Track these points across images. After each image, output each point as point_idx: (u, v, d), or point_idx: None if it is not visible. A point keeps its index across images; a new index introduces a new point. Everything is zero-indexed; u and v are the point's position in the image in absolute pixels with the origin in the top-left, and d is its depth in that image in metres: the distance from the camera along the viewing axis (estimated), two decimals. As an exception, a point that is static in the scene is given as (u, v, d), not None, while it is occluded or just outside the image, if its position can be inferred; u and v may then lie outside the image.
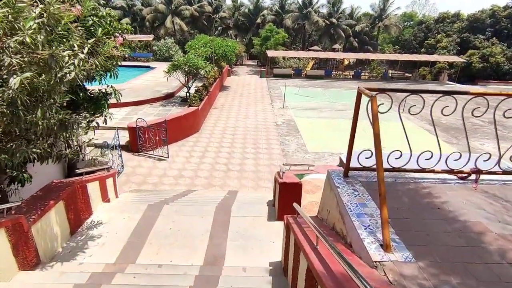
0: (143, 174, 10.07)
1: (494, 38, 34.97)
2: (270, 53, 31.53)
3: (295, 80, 30.73)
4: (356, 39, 48.24)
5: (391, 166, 3.34)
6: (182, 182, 9.74)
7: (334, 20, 46.77)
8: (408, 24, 56.68)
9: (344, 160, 9.83)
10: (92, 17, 5.89)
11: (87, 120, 6.74)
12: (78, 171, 5.30)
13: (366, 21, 48.86)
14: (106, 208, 5.38)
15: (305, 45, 51.57)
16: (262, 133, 14.58)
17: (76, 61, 3.55)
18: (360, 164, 3.32)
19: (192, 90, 16.89)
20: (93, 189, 5.24)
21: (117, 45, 4.05)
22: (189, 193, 7.78)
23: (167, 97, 17.32)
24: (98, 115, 6.37)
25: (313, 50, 40.86)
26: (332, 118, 17.74)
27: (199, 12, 45.43)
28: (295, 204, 3.69)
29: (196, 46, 20.96)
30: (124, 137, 11.93)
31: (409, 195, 3.04)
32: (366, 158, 3.32)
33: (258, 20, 46.75)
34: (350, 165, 3.34)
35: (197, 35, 30.60)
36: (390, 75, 34.82)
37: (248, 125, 15.65)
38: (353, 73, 35.12)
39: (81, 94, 6.02)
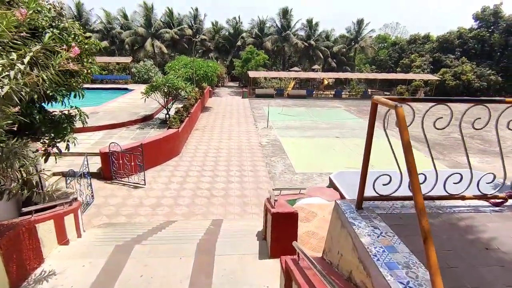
0: (116, 204, 9.02)
1: (464, 57, 36.80)
2: (252, 74, 31.54)
3: (278, 100, 30.67)
4: (334, 60, 49.71)
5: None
6: (160, 211, 8.77)
7: (312, 42, 48.15)
8: (382, 45, 59.28)
9: (335, 181, 9.19)
10: (51, 29, 5.15)
11: (45, 146, 5.85)
12: (25, 209, 4.37)
13: (343, 42, 50.66)
14: (63, 253, 4.42)
15: (285, 66, 52.48)
16: (247, 155, 13.89)
17: (12, 73, 2.79)
18: (377, 193, 2.67)
19: (172, 112, 16.13)
20: (46, 230, 4.29)
21: (71, 55, 3.38)
22: (167, 226, 6.85)
23: (145, 120, 16.44)
24: (59, 140, 5.48)
25: (294, 71, 41.43)
26: (317, 137, 17.39)
27: (179, 35, 45.51)
28: (295, 244, 2.97)
29: (176, 67, 20.44)
30: (96, 164, 10.91)
31: (446, 231, 2.40)
32: (384, 184, 2.67)
33: (239, 43, 47.36)
34: (364, 194, 2.67)
35: (177, 56, 30.20)
36: (370, 93, 35.55)
37: (232, 147, 14.95)
38: (334, 92, 35.61)
39: (37, 117, 5.15)
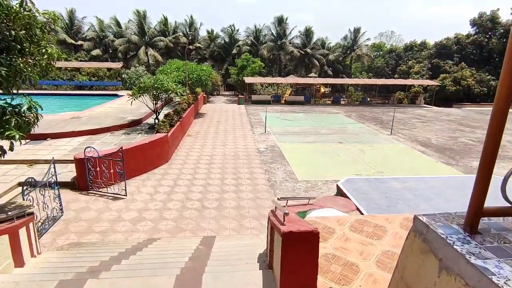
0: (90, 219, 7.62)
1: (463, 63, 36.29)
2: (248, 80, 30.54)
3: (275, 106, 29.59)
4: (331, 68, 49.19)
5: None
6: (142, 227, 7.38)
7: (308, 50, 47.67)
8: (378, 53, 59.08)
9: (344, 189, 7.86)
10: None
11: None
12: None
13: (339, 51, 50.26)
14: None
15: (281, 74, 51.74)
16: (243, 161, 12.59)
17: None
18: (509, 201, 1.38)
19: (161, 117, 14.85)
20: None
21: None
22: (145, 246, 5.49)
23: (133, 125, 15.13)
24: (1, 139, 4.16)
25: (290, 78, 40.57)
26: (319, 143, 16.19)
27: (174, 43, 44.73)
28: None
29: (168, 70, 19.27)
30: (71, 172, 9.54)
31: None
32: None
33: (234, 51, 46.63)
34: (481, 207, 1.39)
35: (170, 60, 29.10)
36: (368, 100, 34.70)
37: (227, 153, 13.65)
38: (332, 99, 34.70)
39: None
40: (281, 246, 2.95)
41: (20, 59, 4.44)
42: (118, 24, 45.24)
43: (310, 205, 5.98)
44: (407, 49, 46.37)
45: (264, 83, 33.29)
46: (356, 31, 48.46)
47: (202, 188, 9.81)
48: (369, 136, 18.28)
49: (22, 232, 4.17)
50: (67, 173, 9.63)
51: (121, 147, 8.50)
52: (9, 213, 3.86)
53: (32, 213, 5.45)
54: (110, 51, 45.16)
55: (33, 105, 4.55)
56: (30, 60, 4.54)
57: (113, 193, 8.88)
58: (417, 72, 38.38)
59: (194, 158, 12.69)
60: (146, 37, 43.73)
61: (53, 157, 7.65)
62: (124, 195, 8.81)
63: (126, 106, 18.63)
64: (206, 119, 21.55)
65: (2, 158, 4.73)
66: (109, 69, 30.58)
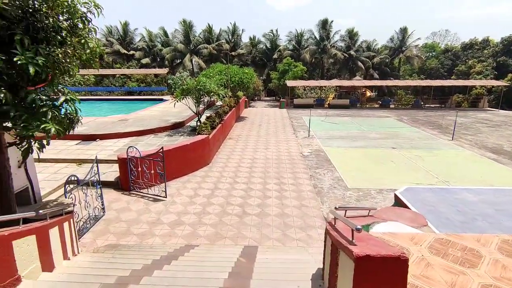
0: (129, 220, 7.41)
1: (536, 60, 31.80)
2: (290, 83, 29.80)
3: (318, 110, 28.36)
4: (377, 71, 46.38)
5: None
6: (180, 232, 6.96)
7: (352, 53, 45.57)
8: (431, 54, 54.59)
9: (404, 199, 6.63)
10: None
11: (18, 138, 4.35)
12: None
13: (386, 53, 47.30)
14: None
15: (323, 78, 50.09)
16: (287, 166, 11.81)
17: None
18: None
19: (203, 119, 14.72)
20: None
21: None
22: (182, 254, 4.98)
23: (176, 127, 15.20)
24: (32, 129, 3.93)
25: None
26: (369, 147, 14.82)
27: (217, 50, 45.67)
28: None
29: (211, 74, 19.29)
30: (115, 172, 9.58)
31: None
32: None
33: (275, 56, 46.24)
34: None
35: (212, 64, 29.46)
36: (422, 103, 31.84)
37: (269, 157, 12.98)
38: (380, 102, 32.47)
39: (2, 95, 3.67)
40: (354, 274, 2.15)
41: (59, 49, 4.23)
42: (165, 34, 47.53)
43: (371, 217, 5.04)
44: (466, 47, 42.09)
45: (307, 86, 32.23)
46: (403, 31, 45.27)
47: (243, 192, 9.22)
48: (427, 141, 16.39)
49: (54, 232, 3.88)
50: (112, 172, 9.69)
51: (162, 148, 8.26)
52: (40, 211, 3.56)
53: (71, 212, 5.27)
54: (158, 60, 47.48)
55: (70, 98, 4.29)
56: (69, 51, 4.31)
57: (154, 195, 8.67)
58: (479, 72, 34.48)
59: (235, 162, 12.22)
60: (191, 45, 45.24)
61: (96, 156, 7.61)
62: (164, 197, 8.55)
63: (170, 109, 18.98)
64: (247, 123, 21.19)
65: (41, 153, 4.56)
66: (156, 76, 31.95)
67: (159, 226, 7.17)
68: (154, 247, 5.87)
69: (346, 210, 4.20)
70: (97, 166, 7.38)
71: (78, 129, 13.30)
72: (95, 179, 7.27)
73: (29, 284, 3.04)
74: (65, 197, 6.01)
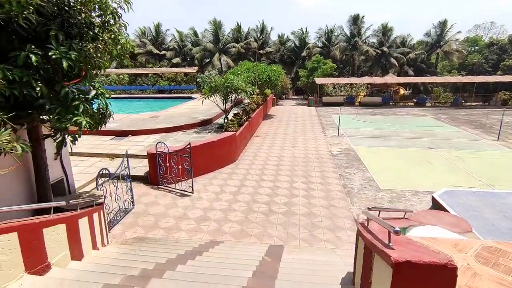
0: (157, 214, 7.54)
1: None
2: (319, 81, 29.14)
3: (348, 108, 27.47)
4: (412, 68, 43.93)
5: None
6: (205, 228, 6.96)
7: (385, 49, 43.53)
8: (473, 49, 50.80)
9: (443, 203, 6.07)
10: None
11: (54, 129, 4.51)
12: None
13: (422, 48, 44.66)
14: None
15: (354, 76, 48.47)
16: (315, 164, 11.48)
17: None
18: None
19: (230, 116, 14.75)
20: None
21: None
22: (207, 250, 4.94)
23: (203, 124, 15.38)
24: (66, 121, 4.05)
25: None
26: (403, 147, 14.03)
27: (245, 48, 45.81)
28: None
29: (239, 72, 19.32)
30: (145, 167, 9.82)
31: None
32: None
33: (304, 53, 45.48)
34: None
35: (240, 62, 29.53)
36: (462, 101, 29.75)
37: (297, 155, 12.71)
38: (415, 100, 30.80)
39: (37, 88, 3.80)
40: (392, 282, 1.92)
41: (91, 44, 4.32)
42: (195, 33, 48.51)
43: (407, 220, 4.66)
44: (514, 40, 38.67)
45: (337, 84, 31.30)
46: (442, 24, 42.43)
47: (270, 190, 9.07)
48: (468, 141, 15.22)
49: (83, 222, 3.97)
50: (142, 167, 9.96)
51: (189, 143, 8.33)
52: (71, 201, 3.65)
53: (101, 204, 5.41)
54: (188, 59, 48.56)
55: (101, 92, 4.37)
56: (100, 46, 4.39)
57: (181, 190, 8.77)
58: (529, 67, 31.51)
59: (262, 159, 12.09)
60: (220, 44, 45.77)
61: (126, 151, 7.82)
62: (191, 193, 8.62)
63: (198, 107, 19.27)
64: (274, 121, 20.98)
65: (74, 145, 4.70)
66: (186, 74, 32.68)
67: (185, 221, 7.22)
68: (179, 242, 5.90)
69: (379, 211, 3.90)
70: (127, 160, 7.59)
71: (112, 125, 13.86)
72: (126, 173, 7.47)
73: (58, 272, 3.10)
74: (97, 190, 6.21)
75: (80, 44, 4.20)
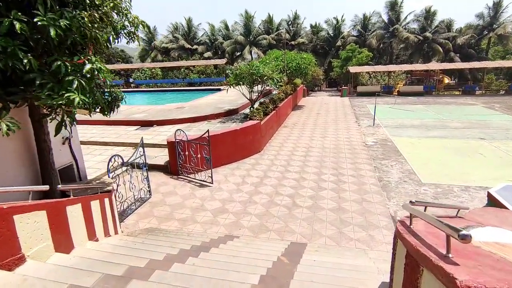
0: (173, 204, 7.15)
1: None
2: (353, 69, 27.46)
3: (385, 98, 25.53)
4: (458, 54, 39.89)
5: None
6: (222, 220, 6.42)
7: (428, 35, 39.95)
8: (533, 30, 44.92)
9: (503, 200, 5.01)
10: None
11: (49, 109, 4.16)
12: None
13: (471, 32, 40.32)
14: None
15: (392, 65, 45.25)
16: (347, 155, 10.49)
17: None
18: None
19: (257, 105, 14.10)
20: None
21: None
22: (217, 246, 4.36)
23: (229, 114, 14.92)
24: (57, 98, 3.64)
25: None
26: (449, 138, 12.47)
27: (276, 40, 44.72)
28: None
29: (267, 61, 18.54)
30: (165, 156, 9.53)
31: None
32: None
33: (338, 43, 43.28)
34: None
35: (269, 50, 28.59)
36: (520, 88, 26.39)
37: (326, 146, 11.76)
38: (463, 88, 27.91)
39: (25, 60, 3.42)
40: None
41: (86, 12, 3.87)
42: (226, 27, 48.28)
43: (460, 218, 3.71)
44: None
45: (373, 72, 29.27)
46: (496, 4, 37.90)
47: (295, 182, 8.32)
48: (529, 131, 13.20)
49: (75, 210, 3.56)
50: (163, 156, 9.69)
51: (207, 131, 7.82)
52: (59, 186, 3.24)
53: (108, 192, 5.06)
54: (219, 53, 48.56)
55: (96, 67, 3.92)
56: (96, 15, 3.93)
57: (201, 180, 8.33)
58: None
59: (289, 150, 11.32)
60: (251, 37, 45.14)
61: (141, 138, 7.49)
62: (210, 183, 8.15)
63: (225, 97, 18.85)
64: (304, 111, 19.97)
65: (73, 126, 4.34)
66: (215, 67, 32.57)
67: (202, 213, 6.74)
68: (191, 235, 5.41)
69: (426, 207, 3.03)
70: (143, 148, 7.27)
71: (138, 115, 13.79)
72: (142, 161, 7.15)
73: (33, 265, 2.67)
74: (108, 177, 5.91)
75: (74, 12, 3.77)
